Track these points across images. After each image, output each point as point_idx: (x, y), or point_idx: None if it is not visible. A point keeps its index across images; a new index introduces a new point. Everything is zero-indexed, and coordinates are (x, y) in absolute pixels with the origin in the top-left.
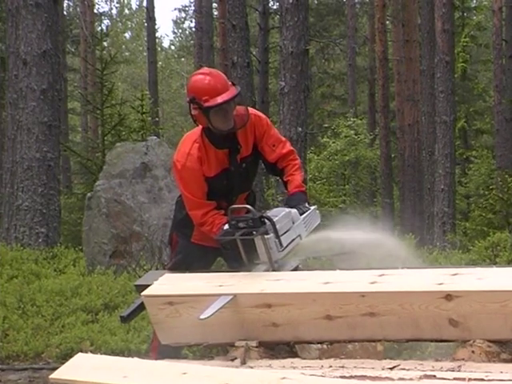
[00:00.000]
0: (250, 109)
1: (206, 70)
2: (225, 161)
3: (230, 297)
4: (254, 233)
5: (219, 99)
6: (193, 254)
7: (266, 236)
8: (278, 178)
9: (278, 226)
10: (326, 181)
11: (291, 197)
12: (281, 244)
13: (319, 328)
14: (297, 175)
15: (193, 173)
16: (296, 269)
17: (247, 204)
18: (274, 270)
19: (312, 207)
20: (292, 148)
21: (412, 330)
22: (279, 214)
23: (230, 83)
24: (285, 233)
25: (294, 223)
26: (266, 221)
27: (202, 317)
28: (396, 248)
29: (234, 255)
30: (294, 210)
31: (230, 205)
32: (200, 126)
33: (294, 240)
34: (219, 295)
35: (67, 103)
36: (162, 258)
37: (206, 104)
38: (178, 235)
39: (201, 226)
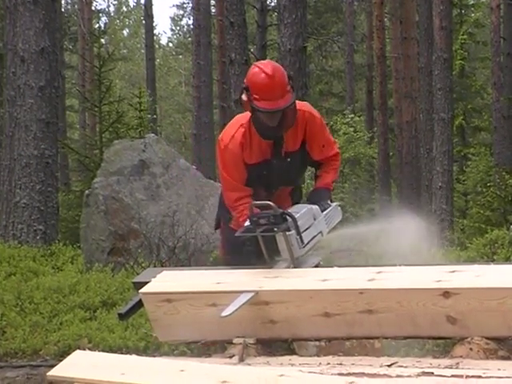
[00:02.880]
0: (305, 106)
1: (270, 68)
2: (267, 151)
3: (252, 294)
4: (276, 229)
5: (268, 105)
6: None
7: (287, 233)
8: None
9: (299, 223)
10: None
11: (315, 192)
12: (302, 241)
13: (317, 325)
14: (329, 173)
15: (233, 156)
16: (317, 266)
17: (292, 199)
18: (295, 267)
19: (333, 204)
20: (338, 150)
21: (410, 328)
22: (301, 210)
23: (288, 88)
24: (306, 229)
25: (315, 220)
26: (288, 217)
27: (223, 314)
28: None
29: (254, 252)
30: (316, 207)
31: (269, 195)
32: (249, 113)
33: (315, 237)
34: (217, 292)
35: (65, 100)
36: (160, 256)
37: (255, 103)
38: (223, 220)
39: (232, 210)
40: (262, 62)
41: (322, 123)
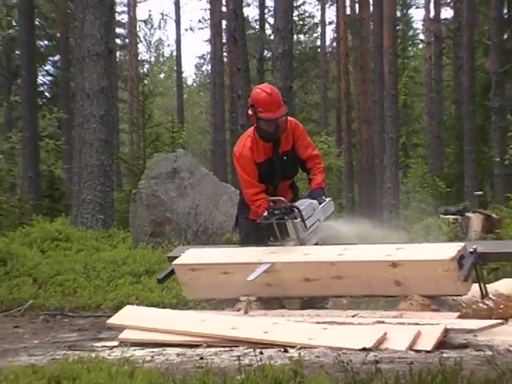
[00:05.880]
0: (292, 118)
1: (269, 89)
2: (269, 151)
3: (269, 264)
4: (286, 218)
5: (270, 115)
6: (251, 229)
7: (294, 220)
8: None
9: (303, 213)
10: (304, 183)
11: (313, 192)
12: (305, 226)
13: (301, 287)
14: (318, 175)
15: (247, 159)
16: (316, 244)
17: (290, 191)
18: (300, 245)
19: (327, 199)
20: (318, 153)
21: (368, 289)
22: (304, 204)
23: (282, 102)
24: (308, 218)
25: (315, 211)
26: (295, 209)
27: (248, 279)
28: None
29: (271, 234)
30: (315, 201)
31: (274, 188)
32: (253, 127)
33: (315, 223)
34: (228, 264)
35: (118, 125)
36: (187, 237)
37: (260, 115)
38: (240, 215)
39: (250, 204)
40: (262, 85)
41: (304, 130)
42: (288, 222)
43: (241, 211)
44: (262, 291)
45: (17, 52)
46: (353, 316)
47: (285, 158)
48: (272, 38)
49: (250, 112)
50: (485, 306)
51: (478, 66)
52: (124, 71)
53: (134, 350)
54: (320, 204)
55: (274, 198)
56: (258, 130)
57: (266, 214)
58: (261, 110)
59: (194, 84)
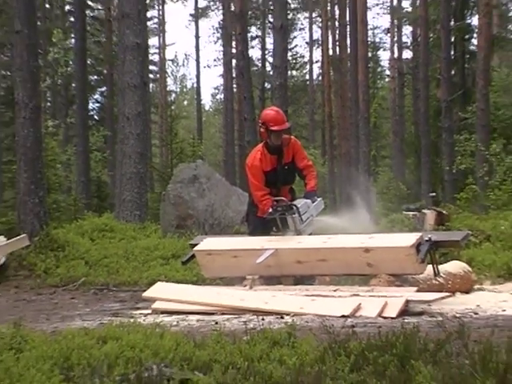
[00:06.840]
0: (292, 137)
1: (275, 108)
2: (274, 163)
3: (273, 250)
4: (287, 214)
5: (279, 127)
6: (258, 224)
7: (293, 215)
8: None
9: (300, 210)
10: (297, 186)
11: (307, 193)
12: (302, 220)
13: (294, 268)
14: (312, 180)
15: (257, 168)
16: (311, 234)
17: (289, 194)
18: (297, 235)
19: (319, 199)
20: (311, 163)
21: (346, 269)
22: (301, 202)
23: (286, 119)
24: (304, 213)
25: (309, 208)
26: (294, 207)
27: (257, 261)
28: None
29: (275, 226)
30: (309, 201)
31: (277, 191)
32: (262, 143)
33: (309, 218)
34: (237, 250)
35: (151, 141)
36: (205, 229)
37: (271, 127)
38: (249, 213)
39: (258, 203)
40: (269, 107)
41: (301, 145)
42: (288, 216)
43: (250, 210)
44: (264, 271)
45: (73, 84)
46: (334, 290)
47: (286, 168)
48: (271, 73)
49: (261, 130)
50: (437, 283)
51: (431, 95)
52: (155, 99)
53: (164, 316)
54: (313, 203)
55: (277, 198)
56: (268, 144)
57: (270, 210)
58: (272, 124)
59: (210, 109)
